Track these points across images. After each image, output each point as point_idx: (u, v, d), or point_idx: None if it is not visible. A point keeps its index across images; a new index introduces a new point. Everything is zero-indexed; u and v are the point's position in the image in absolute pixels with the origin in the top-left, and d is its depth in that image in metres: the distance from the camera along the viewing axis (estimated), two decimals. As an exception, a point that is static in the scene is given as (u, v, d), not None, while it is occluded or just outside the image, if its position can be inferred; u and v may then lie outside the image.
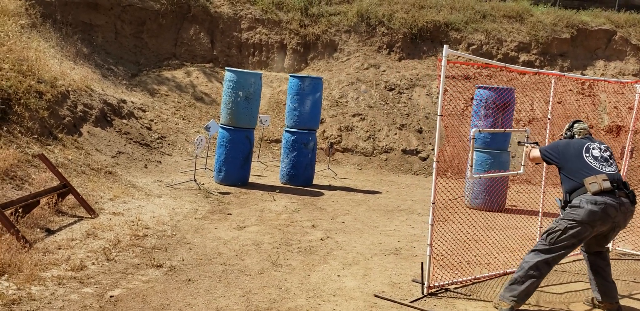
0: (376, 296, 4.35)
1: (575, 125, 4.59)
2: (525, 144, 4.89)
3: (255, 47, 13.55)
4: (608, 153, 4.34)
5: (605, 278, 4.33)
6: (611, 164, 4.27)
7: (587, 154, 4.28)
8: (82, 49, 11.71)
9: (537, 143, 4.89)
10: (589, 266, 4.43)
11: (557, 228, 4.12)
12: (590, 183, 4.10)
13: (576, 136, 4.53)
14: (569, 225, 4.07)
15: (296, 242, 5.71)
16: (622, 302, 4.48)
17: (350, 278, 4.73)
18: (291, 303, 4.10)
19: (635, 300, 4.70)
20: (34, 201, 5.38)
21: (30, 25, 10.47)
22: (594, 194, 4.06)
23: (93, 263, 4.60)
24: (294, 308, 4.01)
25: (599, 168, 4.19)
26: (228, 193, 7.78)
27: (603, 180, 4.09)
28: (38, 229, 5.19)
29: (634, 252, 6.18)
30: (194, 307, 3.91)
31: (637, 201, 4.22)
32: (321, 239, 5.89)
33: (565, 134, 4.64)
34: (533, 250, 4.20)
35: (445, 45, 4.44)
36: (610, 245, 6.25)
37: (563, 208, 4.24)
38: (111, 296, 3.98)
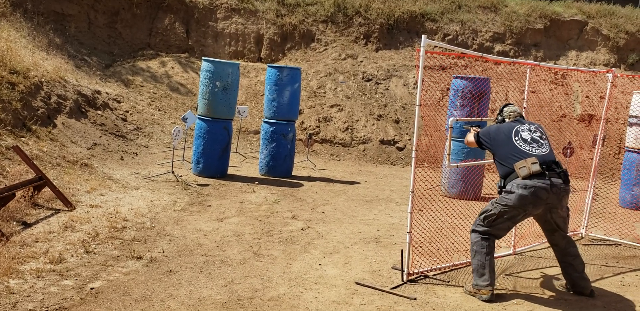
0: (357, 283, 4.41)
1: (505, 109, 4.56)
2: (470, 128, 4.81)
3: (231, 37, 13.43)
4: (538, 134, 4.32)
5: (575, 270, 4.39)
6: (542, 145, 4.26)
7: (517, 138, 4.28)
8: (55, 39, 11.47)
9: (479, 126, 4.81)
10: (558, 261, 4.49)
11: (492, 211, 4.22)
12: (519, 168, 4.12)
13: (507, 119, 4.51)
14: (502, 209, 4.17)
15: (277, 232, 5.74)
16: (594, 285, 4.61)
17: (332, 267, 4.78)
18: (274, 292, 4.13)
19: (607, 283, 4.84)
20: (9, 193, 5.29)
21: (0, 15, 10.21)
22: (524, 178, 4.09)
23: (72, 256, 4.56)
24: (276, 297, 4.04)
25: (528, 150, 4.19)
26: (207, 185, 7.75)
27: (532, 163, 4.10)
28: (14, 222, 5.12)
29: (606, 237, 6.36)
30: (176, 298, 3.91)
31: (570, 179, 4.23)
32: (302, 229, 5.93)
33: (497, 118, 4.61)
34: (473, 231, 4.33)
35: (423, 36, 4.47)
36: (582, 231, 6.44)
37: (499, 192, 4.29)
38: (92, 288, 3.96)
